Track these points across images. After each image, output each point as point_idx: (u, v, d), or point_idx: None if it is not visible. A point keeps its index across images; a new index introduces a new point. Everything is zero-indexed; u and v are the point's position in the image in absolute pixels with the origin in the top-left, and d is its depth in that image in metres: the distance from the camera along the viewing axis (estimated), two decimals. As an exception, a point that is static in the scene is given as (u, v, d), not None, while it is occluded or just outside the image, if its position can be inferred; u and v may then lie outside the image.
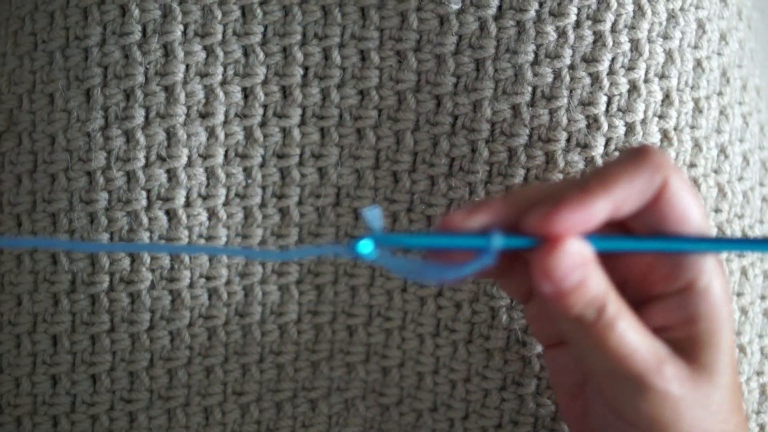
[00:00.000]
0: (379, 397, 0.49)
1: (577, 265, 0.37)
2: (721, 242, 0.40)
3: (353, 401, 0.49)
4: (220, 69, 0.47)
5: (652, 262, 0.40)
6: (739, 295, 0.48)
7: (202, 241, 0.47)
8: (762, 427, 0.49)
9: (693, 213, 0.39)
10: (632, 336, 0.38)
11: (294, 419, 0.49)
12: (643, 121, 0.46)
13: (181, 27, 0.47)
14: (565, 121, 0.46)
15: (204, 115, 0.47)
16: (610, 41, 0.46)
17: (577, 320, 0.38)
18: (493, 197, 0.45)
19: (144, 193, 0.47)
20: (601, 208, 0.37)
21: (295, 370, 0.49)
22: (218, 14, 0.47)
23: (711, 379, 0.39)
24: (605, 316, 0.38)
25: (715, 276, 0.40)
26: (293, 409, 0.49)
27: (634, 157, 0.39)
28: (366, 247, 0.31)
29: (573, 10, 0.46)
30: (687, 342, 0.39)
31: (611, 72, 0.46)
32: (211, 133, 0.47)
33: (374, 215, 0.32)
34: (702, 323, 0.39)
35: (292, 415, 0.49)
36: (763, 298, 0.50)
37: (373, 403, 0.49)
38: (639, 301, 0.40)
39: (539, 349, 0.47)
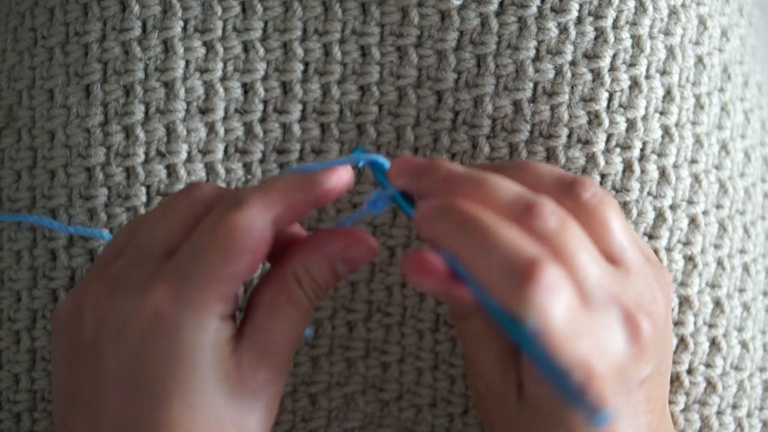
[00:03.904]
0: (379, 393, 0.49)
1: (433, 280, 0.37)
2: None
3: (353, 396, 0.49)
4: (220, 65, 0.47)
5: None
6: (741, 291, 0.48)
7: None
8: (765, 423, 0.48)
9: None
10: (479, 334, 0.41)
11: (294, 414, 0.49)
12: (645, 117, 0.46)
13: (181, 23, 0.47)
14: (566, 117, 0.46)
15: (204, 111, 0.47)
16: (611, 37, 0.46)
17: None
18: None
19: (144, 189, 0.47)
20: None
21: (295, 365, 0.49)
22: (218, 10, 0.47)
23: (524, 406, 0.39)
24: (455, 311, 0.41)
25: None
26: (293, 404, 0.49)
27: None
28: None
29: (575, 6, 0.46)
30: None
31: (612, 68, 0.46)
32: (210, 128, 0.47)
33: None
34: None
35: (292, 409, 0.49)
36: (765, 294, 0.50)
37: (373, 399, 0.49)
38: None
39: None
